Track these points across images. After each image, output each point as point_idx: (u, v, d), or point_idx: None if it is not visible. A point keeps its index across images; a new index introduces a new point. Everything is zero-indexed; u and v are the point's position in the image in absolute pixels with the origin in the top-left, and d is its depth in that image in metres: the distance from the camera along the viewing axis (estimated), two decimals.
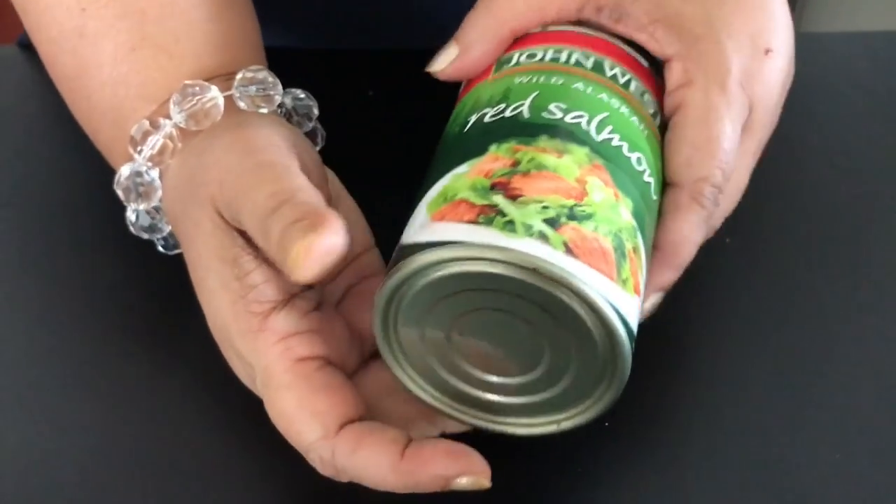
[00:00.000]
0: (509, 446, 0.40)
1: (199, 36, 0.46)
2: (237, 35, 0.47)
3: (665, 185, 0.41)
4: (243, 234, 0.40)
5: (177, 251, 0.47)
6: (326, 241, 0.35)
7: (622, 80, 0.41)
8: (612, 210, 0.37)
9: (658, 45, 0.42)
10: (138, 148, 0.44)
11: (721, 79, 0.41)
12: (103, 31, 0.45)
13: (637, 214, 0.38)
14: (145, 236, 0.46)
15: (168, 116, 0.44)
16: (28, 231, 0.53)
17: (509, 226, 0.35)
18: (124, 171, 0.44)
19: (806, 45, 0.58)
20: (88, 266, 0.51)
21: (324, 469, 0.39)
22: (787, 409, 0.45)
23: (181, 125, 0.43)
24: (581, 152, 0.38)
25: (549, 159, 0.37)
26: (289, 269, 0.36)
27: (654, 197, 0.40)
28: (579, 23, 0.43)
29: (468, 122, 0.40)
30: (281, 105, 0.47)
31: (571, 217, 0.36)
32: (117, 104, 0.45)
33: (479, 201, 0.36)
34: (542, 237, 0.35)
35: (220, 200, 0.39)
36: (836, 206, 0.53)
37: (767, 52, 0.42)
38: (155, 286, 0.50)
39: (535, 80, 0.41)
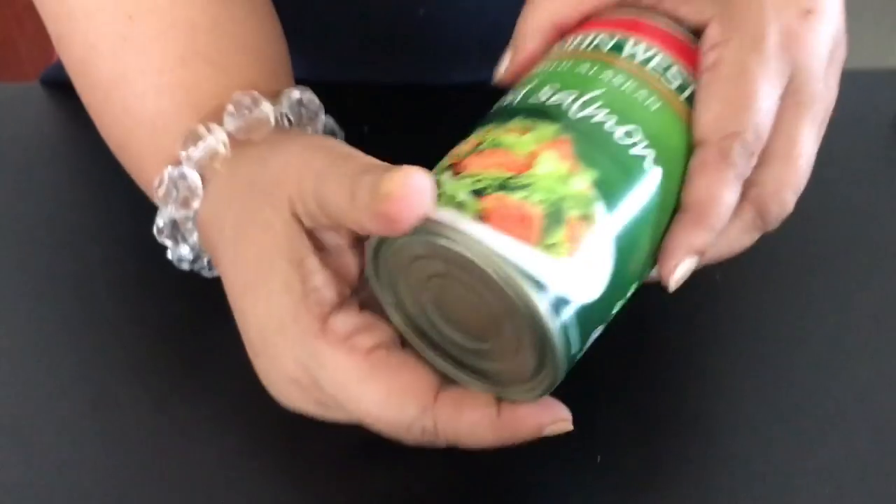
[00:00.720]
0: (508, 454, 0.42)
1: (245, 52, 0.47)
2: (276, 53, 0.49)
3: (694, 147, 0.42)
4: (312, 236, 0.41)
5: (191, 266, 0.48)
6: (419, 180, 0.36)
7: (641, 58, 0.42)
8: (559, 181, 0.38)
9: (699, 13, 0.43)
10: (190, 151, 0.44)
11: (757, 37, 0.41)
12: (151, 38, 0.46)
13: (603, 185, 0.39)
14: (169, 243, 0.47)
15: (218, 124, 0.45)
16: (49, 263, 0.53)
17: (440, 199, 0.38)
18: (168, 173, 0.45)
19: None
20: (108, 299, 0.51)
21: (424, 439, 0.40)
22: (779, 450, 0.46)
23: (233, 133, 0.45)
24: (549, 129, 0.39)
25: (509, 138, 0.39)
26: (379, 202, 0.36)
27: (650, 167, 0.40)
28: (634, 5, 0.44)
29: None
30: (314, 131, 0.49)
31: (501, 188, 0.37)
32: (159, 112, 0.46)
33: (436, 180, 0.39)
34: (460, 206, 0.37)
35: (298, 195, 0.40)
36: (824, 243, 0.54)
37: (809, 13, 0.41)
38: (169, 317, 0.51)
39: (549, 67, 0.43)
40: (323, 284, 0.40)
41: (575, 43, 0.43)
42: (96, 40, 0.47)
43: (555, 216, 0.38)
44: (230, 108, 0.45)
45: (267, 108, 0.45)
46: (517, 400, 0.40)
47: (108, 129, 0.49)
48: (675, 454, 0.46)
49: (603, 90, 0.41)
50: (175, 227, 0.46)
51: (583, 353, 0.40)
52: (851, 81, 0.61)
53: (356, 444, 0.44)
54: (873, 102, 0.63)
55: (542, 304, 0.37)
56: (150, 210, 0.47)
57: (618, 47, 0.42)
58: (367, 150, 0.43)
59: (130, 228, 0.53)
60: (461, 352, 0.41)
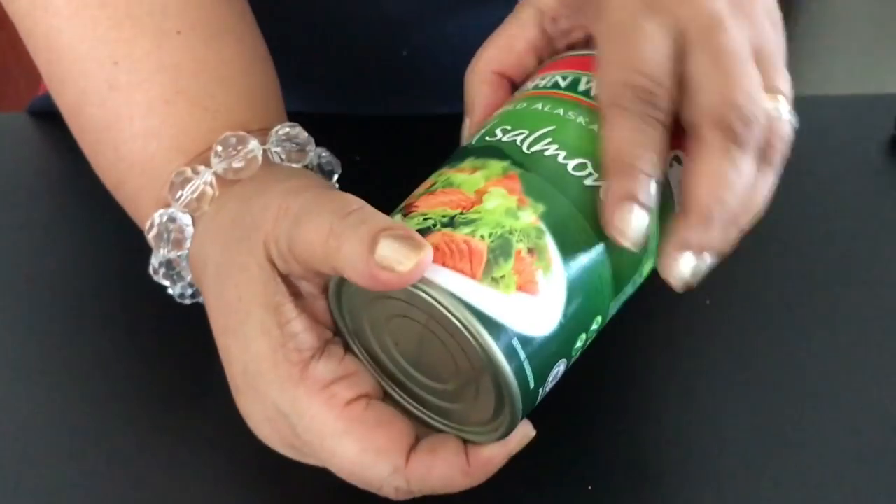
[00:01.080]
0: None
1: (233, 91, 0.47)
2: (266, 91, 0.49)
3: None
4: (288, 282, 0.40)
5: (193, 300, 0.48)
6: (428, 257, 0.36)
7: (583, 88, 0.42)
8: (507, 214, 0.38)
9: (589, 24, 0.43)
10: (177, 193, 0.44)
11: (625, 13, 0.41)
12: (136, 84, 0.46)
13: (551, 217, 0.38)
14: (165, 283, 0.47)
15: (206, 165, 0.45)
16: (36, 292, 0.53)
17: None
18: (157, 217, 0.45)
19: None
20: (96, 330, 0.52)
21: (398, 496, 0.40)
22: (768, 474, 0.46)
23: (220, 174, 0.45)
24: (498, 166, 0.39)
25: (459, 177, 0.39)
26: (377, 269, 0.36)
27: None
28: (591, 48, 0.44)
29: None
30: (307, 164, 0.48)
31: (447, 224, 0.37)
32: (148, 155, 0.46)
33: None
34: None
35: (273, 240, 0.40)
36: (812, 269, 0.55)
37: None
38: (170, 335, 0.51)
39: (507, 108, 0.43)
40: (302, 330, 0.40)
41: (533, 84, 0.43)
42: (85, 86, 0.47)
43: (502, 250, 0.37)
44: (217, 148, 0.45)
45: (254, 145, 0.45)
46: (481, 442, 0.40)
47: (103, 172, 0.49)
48: (663, 476, 0.46)
49: (554, 125, 0.40)
50: (170, 267, 0.46)
51: (546, 391, 0.39)
52: (846, 106, 0.63)
53: None
54: (867, 126, 0.63)
55: (491, 340, 0.36)
56: (138, 239, 0.48)
57: (573, 84, 0.42)
58: (360, 180, 0.43)
59: (118, 257, 0.54)
60: (426, 392, 0.41)
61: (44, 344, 0.51)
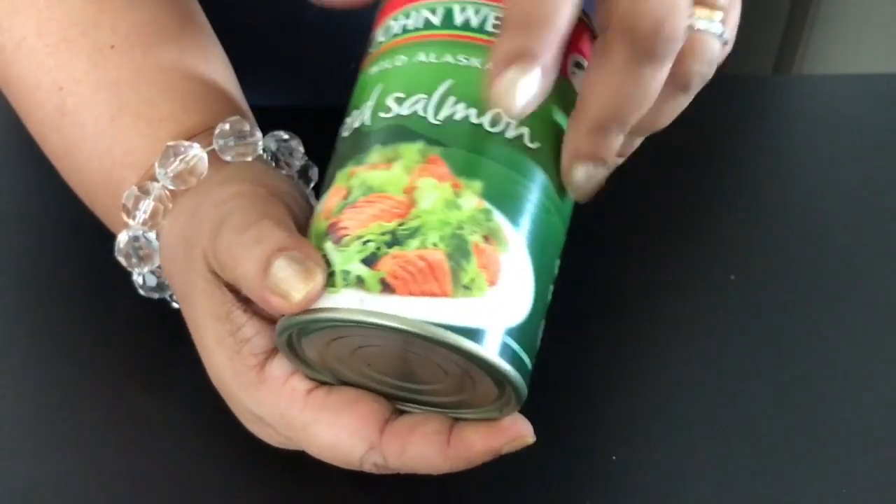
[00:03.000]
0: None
1: (176, 96, 0.47)
2: (214, 90, 0.48)
3: None
4: (234, 289, 0.40)
5: None
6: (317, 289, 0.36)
7: (476, 23, 0.37)
8: (448, 208, 0.35)
9: None
10: (132, 214, 0.45)
11: None
12: (81, 106, 0.47)
13: (491, 191, 0.35)
14: (155, 296, 0.48)
15: (156, 179, 0.45)
16: (34, 282, 0.55)
17: (331, 279, 0.35)
18: (122, 238, 0.46)
19: (807, 87, 0.61)
20: (84, 301, 0.53)
21: (380, 471, 0.40)
22: (791, 447, 0.45)
23: (169, 186, 0.45)
24: (413, 151, 0.35)
25: (376, 176, 0.35)
26: (268, 293, 0.36)
27: (532, 145, 0.36)
28: None
29: (337, 139, 0.39)
30: (265, 150, 0.48)
31: (393, 243, 0.34)
32: (105, 175, 0.47)
33: (322, 253, 0.36)
34: (359, 282, 0.34)
35: (210, 251, 0.40)
36: (836, 244, 0.53)
37: None
38: (167, 322, 0.51)
39: (383, 67, 0.38)
40: (254, 334, 0.40)
41: (396, 28, 0.38)
42: (42, 116, 0.48)
43: (460, 251, 0.34)
44: (160, 159, 0.45)
45: (196, 150, 0.45)
46: (483, 419, 0.39)
47: (78, 193, 0.50)
48: (686, 453, 0.45)
49: (452, 79, 0.36)
50: (159, 281, 0.47)
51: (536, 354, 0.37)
52: (863, 85, 0.61)
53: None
54: (885, 106, 0.60)
55: (485, 349, 0.34)
56: None
57: (447, 18, 0.37)
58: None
59: (104, 240, 0.53)
60: (422, 395, 0.40)
61: (28, 335, 0.52)
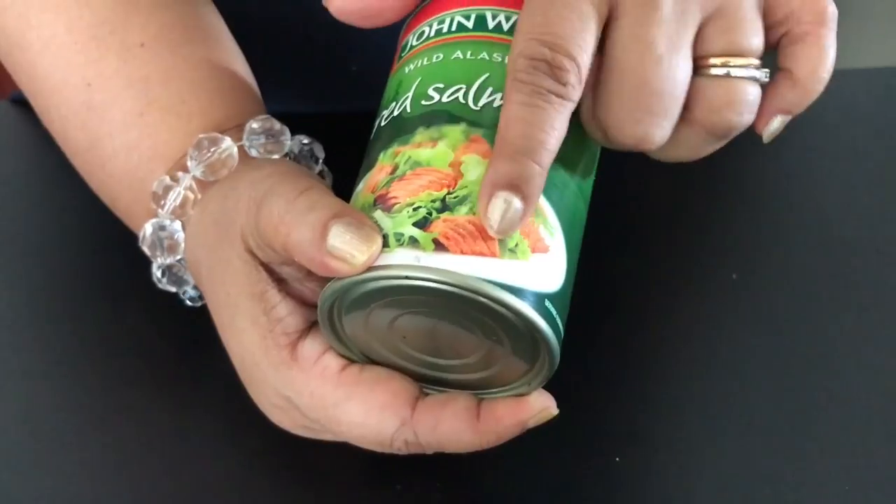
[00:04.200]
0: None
1: (204, 94, 0.48)
2: (239, 89, 0.49)
3: None
4: (269, 269, 0.41)
5: (203, 302, 0.49)
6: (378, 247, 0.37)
7: (507, 27, 0.40)
8: None
9: None
10: (161, 202, 0.46)
11: None
12: (110, 101, 0.48)
13: None
14: (172, 290, 0.48)
15: (185, 171, 0.46)
16: (33, 283, 0.55)
17: (385, 240, 0.37)
18: (148, 228, 0.46)
19: None
20: (92, 313, 0.53)
21: (409, 450, 0.41)
22: (797, 446, 0.46)
23: (199, 177, 0.46)
24: (456, 131, 0.38)
25: (423, 153, 0.38)
26: (327, 258, 0.37)
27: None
28: None
29: (374, 129, 0.41)
30: (288, 153, 0.49)
31: (443, 209, 0.37)
32: (132, 169, 0.47)
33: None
34: (413, 242, 0.36)
35: (248, 229, 0.41)
36: (840, 243, 0.54)
37: None
38: (174, 332, 0.52)
39: (420, 63, 0.41)
40: (288, 313, 0.41)
41: (432, 32, 0.41)
42: (67, 112, 0.49)
43: None
44: (192, 152, 0.46)
45: (228, 144, 0.46)
46: (507, 397, 0.40)
47: (97, 190, 0.50)
48: (690, 453, 0.46)
49: (488, 72, 0.39)
50: (172, 273, 0.48)
51: None
52: (873, 79, 0.61)
53: (368, 457, 0.44)
54: (890, 101, 0.61)
55: (530, 308, 0.36)
56: (121, 229, 0.49)
57: (480, 23, 0.40)
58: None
59: (103, 246, 0.55)
60: (452, 372, 0.41)
61: (34, 336, 0.53)
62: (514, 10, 0.40)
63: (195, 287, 0.48)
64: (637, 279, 0.52)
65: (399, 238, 0.37)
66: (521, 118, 0.35)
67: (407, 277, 0.36)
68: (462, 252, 0.36)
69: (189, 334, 0.50)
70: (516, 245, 0.36)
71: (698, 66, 0.37)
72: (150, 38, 0.48)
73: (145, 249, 0.47)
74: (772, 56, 0.39)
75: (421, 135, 0.39)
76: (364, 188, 0.39)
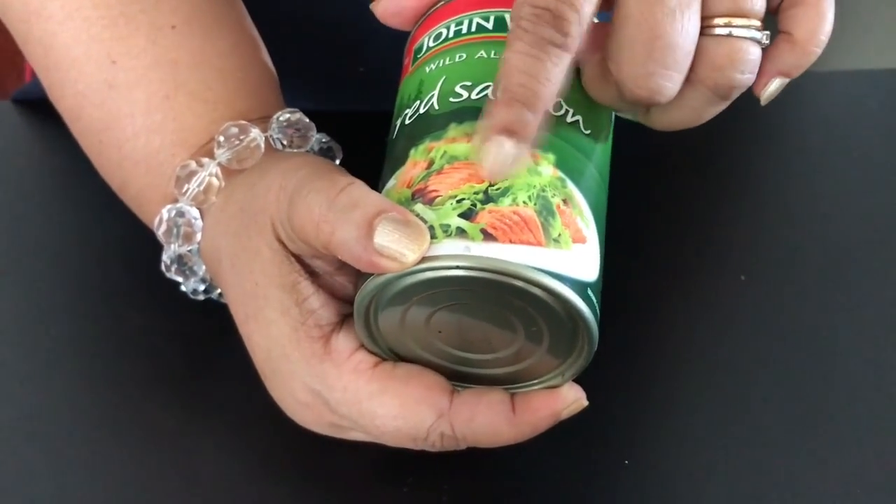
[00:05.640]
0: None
1: (231, 82, 0.47)
2: (264, 81, 0.49)
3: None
4: (300, 259, 0.41)
5: (206, 296, 0.48)
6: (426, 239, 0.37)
7: None
8: (531, 173, 0.38)
9: None
10: (184, 187, 0.45)
11: None
12: (134, 81, 0.47)
13: (563, 163, 0.39)
14: (180, 279, 0.47)
15: (209, 157, 0.45)
16: (37, 284, 0.54)
17: (431, 232, 0.37)
18: (165, 213, 0.45)
19: (815, 85, 0.61)
20: (86, 323, 0.52)
21: (444, 445, 0.40)
22: (804, 449, 0.46)
23: (224, 164, 0.45)
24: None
25: (460, 148, 0.38)
26: (374, 256, 0.36)
27: (585, 131, 0.40)
28: None
29: (395, 128, 0.42)
30: (309, 150, 0.48)
31: (487, 200, 0.37)
32: (152, 152, 0.46)
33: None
34: (461, 233, 0.37)
35: (278, 219, 0.40)
36: (847, 245, 0.54)
37: None
38: (180, 333, 0.51)
39: (442, 63, 0.41)
40: (320, 306, 0.40)
41: (451, 33, 0.42)
42: (84, 88, 0.48)
43: (546, 210, 0.37)
44: (220, 139, 0.45)
45: (256, 133, 0.45)
46: (540, 389, 0.41)
47: (107, 172, 0.49)
48: (698, 457, 0.46)
49: None
50: (182, 262, 0.47)
51: None
52: (872, 80, 0.61)
53: (376, 458, 0.45)
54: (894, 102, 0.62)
55: (578, 296, 0.37)
56: (127, 228, 0.48)
57: (499, 24, 0.41)
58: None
59: (108, 246, 0.54)
60: (486, 367, 0.41)
61: (40, 335, 0.51)
62: None
63: (202, 279, 0.47)
64: (644, 281, 0.52)
65: (446, 229, 0.37)
66: (520, 68, 0.36)
67: (458, 267, 0.36)
68: (510, 241, 0.36)
69: (196, 334, 0.50)
70: (559, 235, 0.37)
71: (703, 27, 0.38)
72: (180, 21, 0.47)
73: (160, 234, 0.46)
74: (772, 21, 0.40)
75: (454, 130, 0.39)
76: (398, 184, 0.39)
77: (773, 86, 0.40)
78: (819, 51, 0.40)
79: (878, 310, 0.51)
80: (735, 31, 0.38)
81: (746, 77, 0.39)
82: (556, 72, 0.36)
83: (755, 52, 0.38)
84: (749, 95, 0.40)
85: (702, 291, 0.51)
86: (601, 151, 0.41)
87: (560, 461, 0.45)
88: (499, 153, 0.36)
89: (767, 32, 0.39)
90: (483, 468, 0.45)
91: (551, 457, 0.45)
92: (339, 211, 0.37)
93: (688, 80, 0.38)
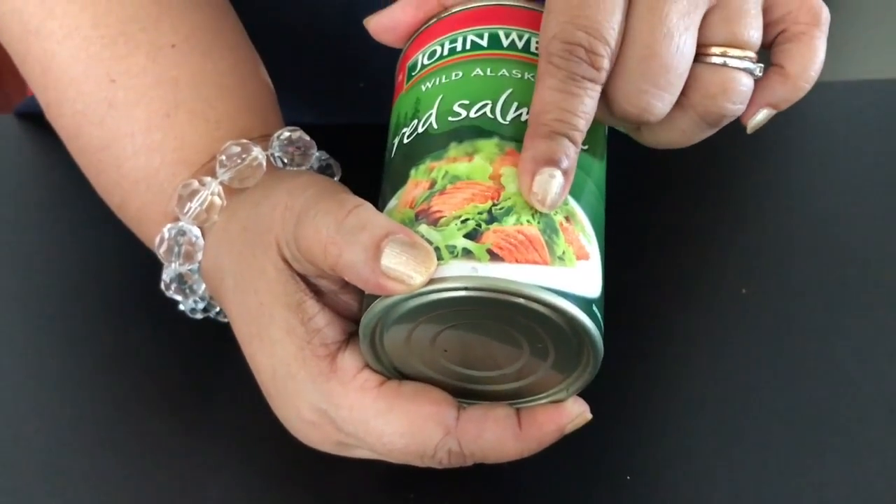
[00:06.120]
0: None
1: (232, 101, 0.47)
2: (264, 100, 0.49)
3: None
4: (305, 278, 0.41)
5: (205, 315, 0.48)
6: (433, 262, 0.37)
7: (521, 45, 0.41)
8: None
9: None
10: (186, 206, 0.45)
11: None
12: (134, 100, 0.47)
13: None
14: (179, 298, 0.47)
15: (211, 176, 0.45)
16: (35, 299, 0.53)
17: (437, 253, 0.37)
18: (166, 231, 0.45)
19: (821, 95, 0.58)
20: (88, 335, 0.52)
21: (451, 461, 0.41)
22: (807, 461, 0.46)
23: (226, 183, 0.45)
24: (490, 145, 0.39)
25: (461, 167, 0.39)
26: (381, 278, 0.37)
27: (584, 147, 0.40)
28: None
29: (393, 147, 0.42)
30: (309, 167, 0.48)
31: (491, 220, 0.37)
32: (153, 171, 0.46)
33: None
34: (467, 254, 0.37)
35: (283, 239, 0.40)
36: (849, 257, 0.54)
37: None
38: (178, 350, 0.51)
39: (438, 81, 0.41)
40: (325, 324, 0.40)
41: (445, 51, 0.42)
42: (83, 107, 0.48)
43: (549, 228, 0.38)
44: (222, 158, 0.45)
45: (258, 152, 0.45)
46: (544, 404, 0.41)
47: (106, 192, 0.49)
48: (700, 470, 0.46)
49: (510, 88, 0.40)
50: (182, 281, 0.47)
51: None
52: (874, 91, 0.62)
53: (378, 474, 0.44)
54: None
55: (583, 315, 0.37)
56: (129, 242, 0.48)
57: (494, 41, 0.41)
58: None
59: (110, 260, 0.54)
60: (490, 384, 0.41)
61: (39, 352, 0.51)
62: (524, 28, 0.42)
63: (201, 298, 0.47)
64: (645, 295, 0.52)
65: (452, 250, 0.37)
66: (555, 103, 0.37)
67: (466, 289, 0.36)
68: (517, 261, 0.37)
69: (196, 351, 0.50)
70: (563, 252, 0.38)
71: (698, 54, 0.39)
72: (181, 39, 0.47)
73: (160, 253, 0.46)
74: (764, 54, 0.41)
75: (455, 150, 0.39)
76: (399, 204, 0.39)
77: (760, 116, 0.41)
78: (808, 87, 0.41)
79: (880, 323, 0.51)
80: (730, 62, 0.39)
81: (737, 107, 0.39)
82: (591, 104, 0.37)
83: (748, 83, 0.39)
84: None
85: (703, 305, 0.51)
86: (598, 167, 0.41)
87: (561, 477, 0.46)
88: (549, 184, 0.37)
89: (762, 65, 0.40)
90: (485, 484, 0.45)
91: (553, 473, 0.45)
92: (346, 233, 0.38)
93: (679, 104, 0.39)
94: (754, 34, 0.39)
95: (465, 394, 0.41)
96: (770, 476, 0.45)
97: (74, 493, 0.46)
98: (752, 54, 0.39)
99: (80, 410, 0.49)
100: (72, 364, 0.51)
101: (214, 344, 0.48)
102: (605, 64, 0.37)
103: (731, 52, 0.39)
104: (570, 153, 0.37)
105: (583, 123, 0.38)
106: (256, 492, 0.46)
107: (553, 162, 0.37)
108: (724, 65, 0.39)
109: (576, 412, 0.40)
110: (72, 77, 0.48)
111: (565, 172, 0.37)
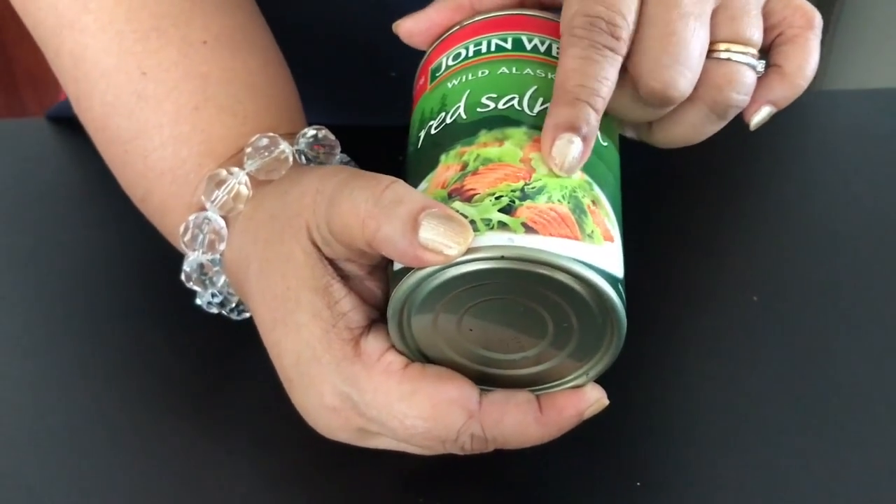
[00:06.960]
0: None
1: (260, 99, 0.48)
2: (290, 101, 0.50)
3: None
4: (334, 265, 0.42)
5: (220, 310, 0.49)
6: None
7: (543, 49, 0.44)
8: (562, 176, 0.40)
9: None
10: (213, 194, 0.45)
11: None
12: (164, 93, 0.48)
13: (588, 168, 0.40)
14: (198, 289, 0.48)
15: (238, 167, 0.46)
16: (60, 299, 0.54)
17: (473, 226, 0.38)
18: (192, 219, 0.46)
19: (829, 104, 0.62)
20: (115, 335, 0.52)
21: (473, 446, 0.41)
22: (818, 469, 0.46)
23: (253, 174, 0.46)
24: (519, 132, 0.40)
25: (492, 151, 0.40)
26: (420, 250, 0.38)
27: (604, 143, 0.42)
28: (500, 8, 0.46)
29: (419, 139, 0.43)
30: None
31: (524, 197, 0.39)
32: (179, 162, 0.47)
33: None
34: (503, 226, 0.38)
35: (314, 223, 0.41)
36: (863, 267, 0.55)
37: None
38: (192, 349, 0.51)
39: (464, 78, 0.43)
40: (351, 308, 0.41)
41: (471, 52, 0.44)
42: (113, 99, 0.48)
43: (579, 208, 0.39)
44: (249, 150, 0.46)
45: (285, 147, 0.46)
46: (564, 389, 0.42)
47: (130, 183, 0.50)
48: (710, 477, 0.46)
49: (535, 85, 0.42)
50: (202, 272, 0.47)
51: None
52: (884, 99, 0.63)
53: (389, 472, 0.45)
54: None
55: (612, 290, 0.38)
56: (157, 244, 0.49)
57: (518, 45, 0.44)
58: None
59: (137, 262, 0.55)
60: (512, 368, 0.42)
61: (62, 350, 0.52)
62: (545, 35, 0.44)
63: (219, 291, 0.48)
64: (656, 301, 0.52)
65: (488, 223, 0.38)
66: (577, 69, 0.40)
67: (502, 258, 0.37)
68: (551, 234, 0.38)
69: (207, 351, 0.50)
70: (592, 231, 0.39)
71: (707, 51, 0.41)
72: (211, 37, 0.48)
73: (184, 241, 0.46)
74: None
75: (485, 136, 0.41)
76: (430, 186, 0.40)
77: (763, 113, 0.44)
78: (805, 84, 0.44)
79: (893, 332, 0.51)
80: (734, 57, 0.42)
81: (742, 98, 0.42)
82: (612, 72, 0.40)
83: (750, 77, 0.42)
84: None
85: (714, 313, 0.52)
86: (615, 162, 0.43)
87: (571, 480, 0.46)
88: (568, 149, 0.39)
89: (763, 61, 0.43)
90: (494, 486, 0.46)
91: (563, 476, 0.46)
92: (384, 207, 0.38)
93: (689, 97, 0.42)
94: (755, 33, 0.42)
95: (485, 380, 0.42)
96: (780, 482, 0.46)
97: (86, 490, 0.46)
98: (754, 51, 0.42)
99: (95, 406, 0.49)
100: (94, 360, 0.51)
101: (227, 346, 0.49)
102: (625, 35, 0.40)
103: (735, 48, 0.42)
104: (591, 120, 0.39)
105: (605, 90, 0.40)
106: (265, 492, 0.46)
107: (573, 128, 0.39)
108: (729, 59, 0.42)
109: (594, 397, 0.41)
110: (103, 69, 0.48)
111: (584, 139, 0.39)
